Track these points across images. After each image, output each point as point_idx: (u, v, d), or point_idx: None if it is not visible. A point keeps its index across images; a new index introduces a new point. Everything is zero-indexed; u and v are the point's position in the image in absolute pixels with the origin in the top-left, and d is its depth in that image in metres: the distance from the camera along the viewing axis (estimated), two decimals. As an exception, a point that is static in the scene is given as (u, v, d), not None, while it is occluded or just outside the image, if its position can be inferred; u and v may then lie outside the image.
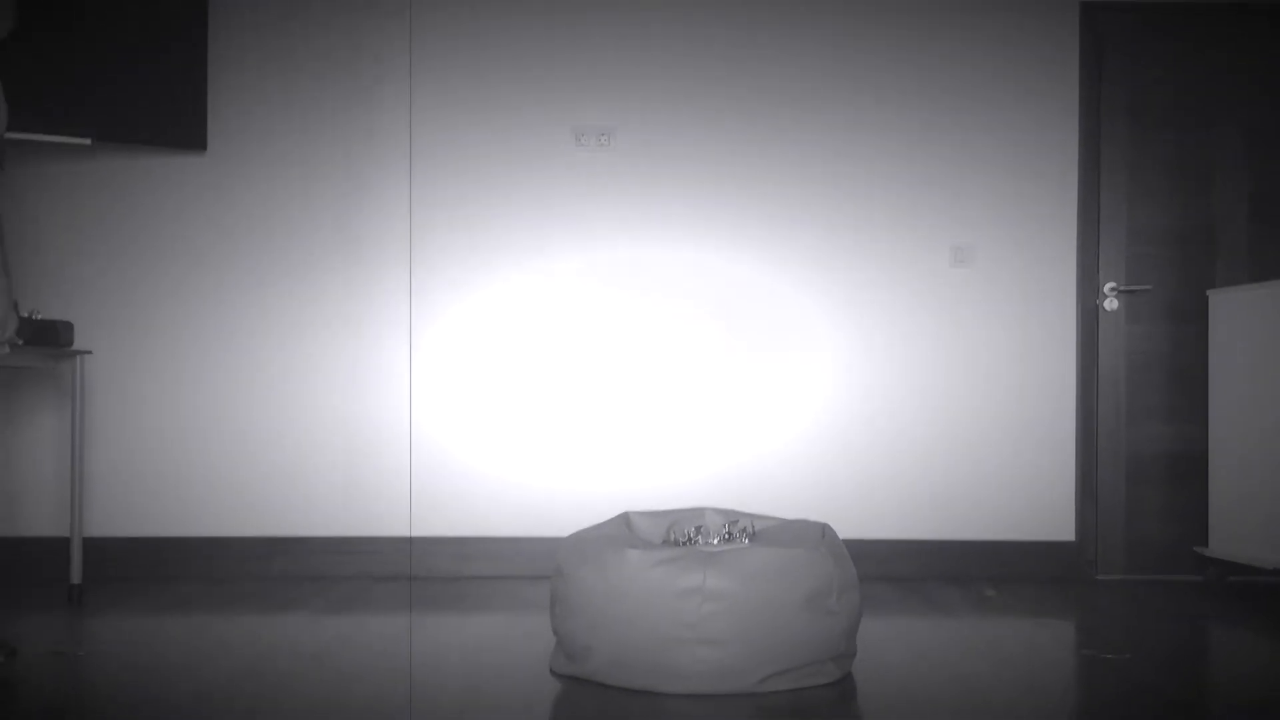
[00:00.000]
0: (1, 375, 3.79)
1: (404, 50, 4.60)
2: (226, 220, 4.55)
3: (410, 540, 4.51)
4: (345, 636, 3.49)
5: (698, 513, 3.40)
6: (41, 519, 4.27)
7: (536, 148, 4.61)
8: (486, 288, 4.62)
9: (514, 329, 4.63)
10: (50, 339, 4.01)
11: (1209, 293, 4.59)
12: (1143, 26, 4.78)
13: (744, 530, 3.25)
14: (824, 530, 3.23)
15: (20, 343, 3.71)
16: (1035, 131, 4.73)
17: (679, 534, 3.29)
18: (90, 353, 4.19)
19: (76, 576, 4.06)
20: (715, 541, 3.20)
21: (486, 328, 4.62)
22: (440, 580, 4.42)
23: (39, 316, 4.04)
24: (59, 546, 4.04)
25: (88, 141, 4.33)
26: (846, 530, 3.42)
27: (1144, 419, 4.77)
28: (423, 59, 4.59)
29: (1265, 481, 4.21)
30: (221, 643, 3.47)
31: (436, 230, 4.60)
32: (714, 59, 4.68)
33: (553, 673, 3.07)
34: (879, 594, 3.46)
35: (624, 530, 3.30)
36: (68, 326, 4.08)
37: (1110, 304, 4.74)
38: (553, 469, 4.59)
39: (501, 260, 4.61)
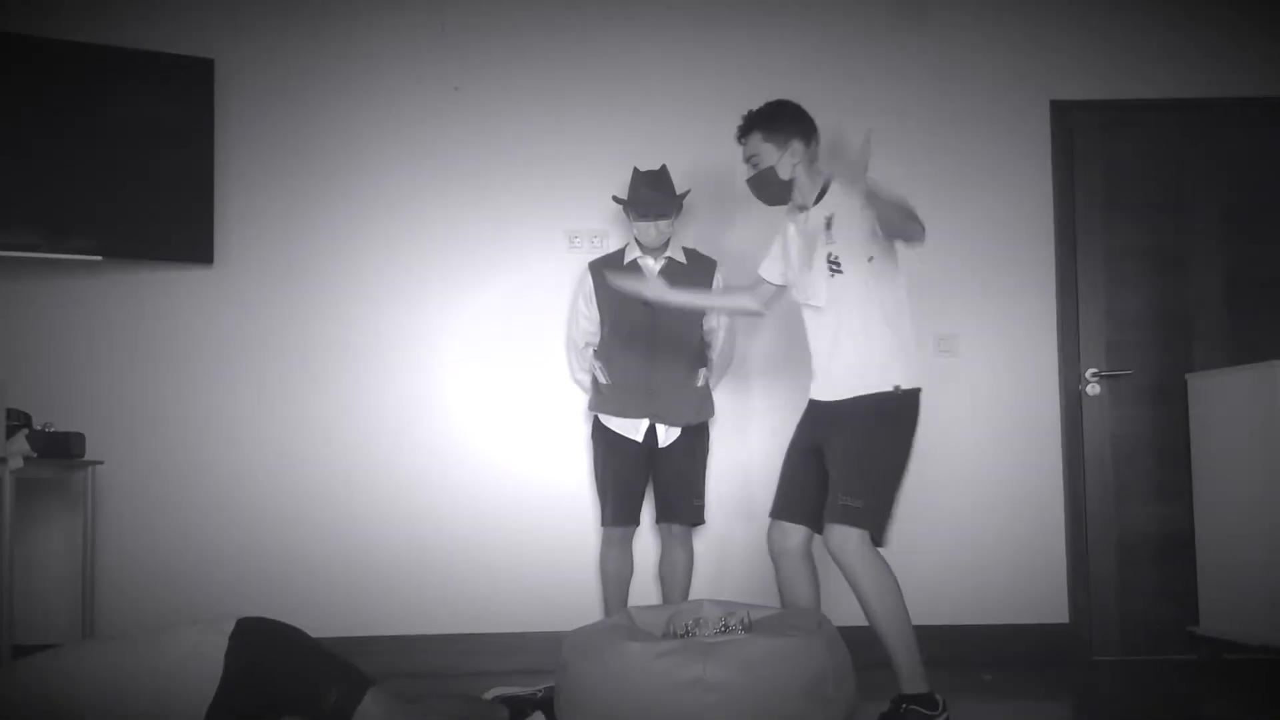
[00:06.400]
0: (16, 486, 3.90)
1: (405, 160, 4.76)
2: (234, 330, 4.66)
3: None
4: None
5: (696, 605, 3.49)
6: (55, 625, 4.34)
7: (531, 248, 4.75)
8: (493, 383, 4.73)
9: (533, 430, 4.72)
10: (62, 451, 4.12)
11: (1188, 376, 4.70)
12: (1112, 120, 4.94)
13: (741, 621, 3.33)
14: (820, 619, 3.31)
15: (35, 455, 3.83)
16: (1012, 222, 4.85)
17: (678, 626, 3.36)
18: (102, 463, 4.28)
19: (87, 683, 4.11)
20: (713, 633, 3.27)
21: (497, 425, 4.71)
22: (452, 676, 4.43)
23: (51, 429, 4.14)
24: (70, 653, 4.11)
25: (98, 259, 4.46)
26: (842, 617, 3.49)
27: (1132, 500, 4.84)
28: (421, 166, 4.75)
29: (1251, 560, 4.28)
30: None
31: (437, 332, 4.72)
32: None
33: (559, 766, 3.13)
34: (877, 680, 3.50)
35: (625, 623, 3.39)
36: (79, 438, 4.19)
37: (1092, 389, 4.84)
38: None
39: (502, 355, 4.72)
